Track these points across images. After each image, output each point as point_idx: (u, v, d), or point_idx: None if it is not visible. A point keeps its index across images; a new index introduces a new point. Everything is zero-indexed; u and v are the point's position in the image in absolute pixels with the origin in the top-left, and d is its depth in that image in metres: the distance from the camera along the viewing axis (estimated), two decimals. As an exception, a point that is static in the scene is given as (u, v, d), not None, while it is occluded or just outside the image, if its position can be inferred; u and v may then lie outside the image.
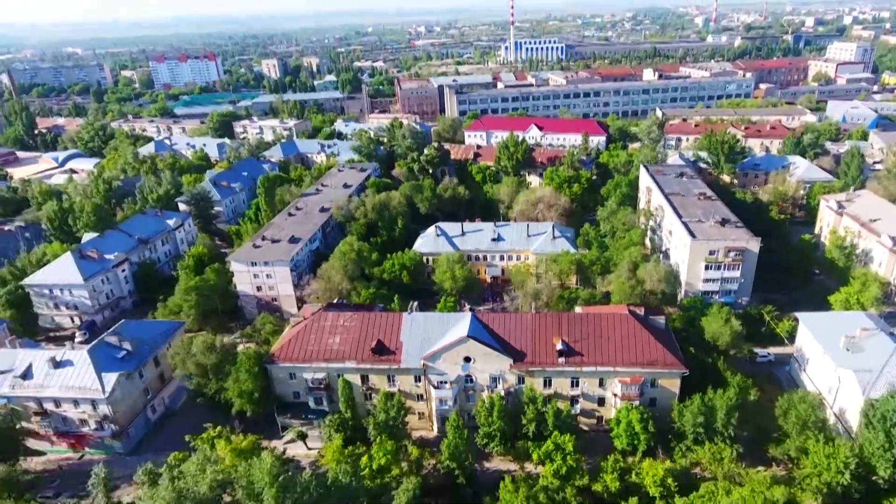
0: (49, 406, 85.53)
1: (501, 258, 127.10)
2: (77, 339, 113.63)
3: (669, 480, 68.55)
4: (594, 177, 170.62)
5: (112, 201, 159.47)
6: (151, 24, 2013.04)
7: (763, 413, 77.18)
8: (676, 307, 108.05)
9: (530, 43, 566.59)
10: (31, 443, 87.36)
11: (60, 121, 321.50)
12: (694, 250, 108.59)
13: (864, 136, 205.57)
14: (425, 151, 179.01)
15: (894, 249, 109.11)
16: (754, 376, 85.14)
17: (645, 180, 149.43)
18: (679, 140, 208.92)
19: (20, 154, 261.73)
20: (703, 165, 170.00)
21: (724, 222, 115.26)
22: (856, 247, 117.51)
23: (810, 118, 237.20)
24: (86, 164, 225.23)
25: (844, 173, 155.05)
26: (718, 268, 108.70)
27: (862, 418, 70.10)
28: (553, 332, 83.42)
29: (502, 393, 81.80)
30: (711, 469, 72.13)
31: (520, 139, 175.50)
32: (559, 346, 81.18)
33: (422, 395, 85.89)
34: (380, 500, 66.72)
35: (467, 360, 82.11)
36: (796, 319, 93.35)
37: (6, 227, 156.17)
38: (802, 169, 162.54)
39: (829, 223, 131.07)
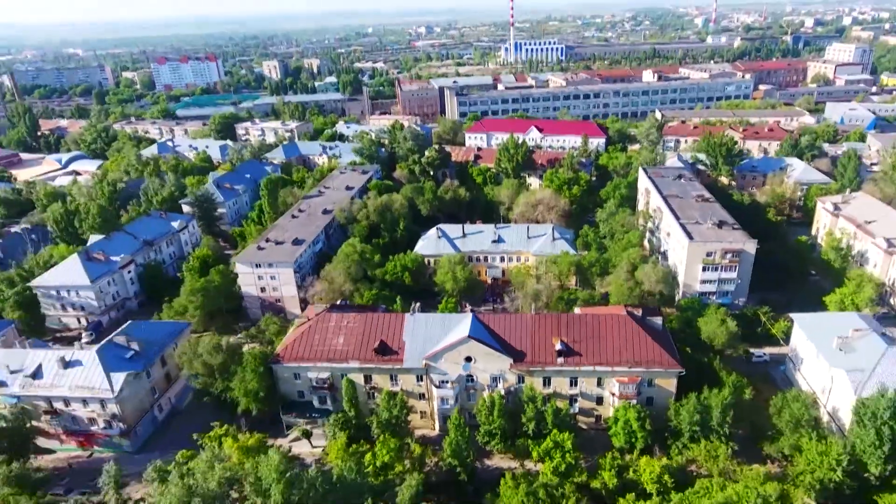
0: (59, 405, 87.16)
1: (502, 259, 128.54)
2: (83, 340, 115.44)
3: (666, 477, 70.04)
4: (593, 179, 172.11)
5: (116, 203, 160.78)
6: (152, 24, 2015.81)
7: (758, 412, 78.75)
8: (674, 308, 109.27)
9: (530, 44, 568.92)
10: (41, 441, 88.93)
11: (63, 122, 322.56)
12: (691, 252, 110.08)
13: (862, 138, 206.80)
14: (426, 153, 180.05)
15: (889, 251, 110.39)
16: (750, 376, 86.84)
17: (643, 182, 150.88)
18: (678, 142, 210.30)
19: (24, 156, 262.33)
20: (701, 167, 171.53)
21: (721, 224, 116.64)
22: (851, 248, 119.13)
23: (808, 120, 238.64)
24: (89, 166, 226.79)
25: (841, 175, 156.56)
26: (715, 269, 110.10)
27: (854, 417, 71.45)
28: (552, 333, 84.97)
29: (503, 392, 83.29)
30: (707, 466, 73.62)
31: (520, 141, 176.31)
32: (558, 347, 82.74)
33: (424, 395, 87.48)
34: (383, 496, 68.01)
35: (468, 359, 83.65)
36: (791, 320, 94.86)
37: (13, 229, 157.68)
38: (800, 171, 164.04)
39: (825, 225, 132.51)
